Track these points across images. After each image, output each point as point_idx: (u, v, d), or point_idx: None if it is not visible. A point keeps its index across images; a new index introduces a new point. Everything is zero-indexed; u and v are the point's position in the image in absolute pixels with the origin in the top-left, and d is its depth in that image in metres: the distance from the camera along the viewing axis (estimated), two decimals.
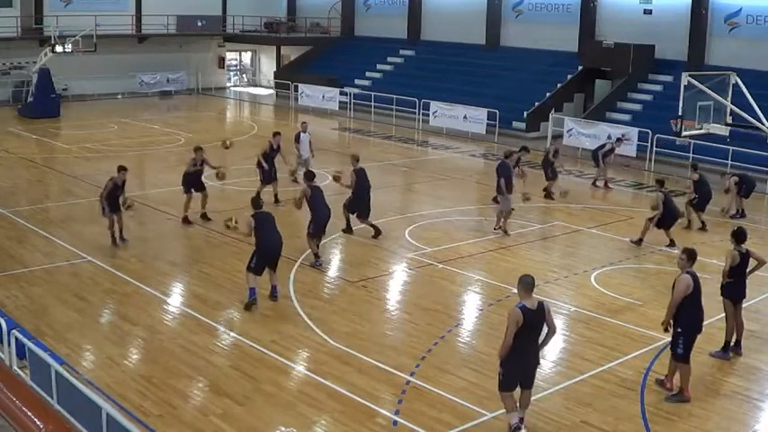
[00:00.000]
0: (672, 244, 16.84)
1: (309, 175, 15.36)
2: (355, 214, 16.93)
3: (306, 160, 21.12)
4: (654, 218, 16.92)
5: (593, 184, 23.17)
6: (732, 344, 11.77)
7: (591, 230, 18.16)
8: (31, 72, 34.65)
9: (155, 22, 40.70)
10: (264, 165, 19.24)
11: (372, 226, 16.95)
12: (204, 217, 17.91)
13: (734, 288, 11.59)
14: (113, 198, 15.91)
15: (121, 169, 16.04)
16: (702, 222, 18.51)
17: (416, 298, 13.93)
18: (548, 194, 21.10)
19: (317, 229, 15.20)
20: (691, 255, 10.31)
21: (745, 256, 11.51)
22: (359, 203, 16.83)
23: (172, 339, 11.82)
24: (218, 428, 9.36)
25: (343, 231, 17.10)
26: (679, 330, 10.19)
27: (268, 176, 19.37)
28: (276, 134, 19.59)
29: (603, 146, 23.60)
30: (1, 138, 27.92)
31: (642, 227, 17.14)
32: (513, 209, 17.68)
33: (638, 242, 17.11)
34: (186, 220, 17.78)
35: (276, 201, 19.28)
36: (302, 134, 21.54)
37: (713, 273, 13.12)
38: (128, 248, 16.00)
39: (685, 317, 10.15)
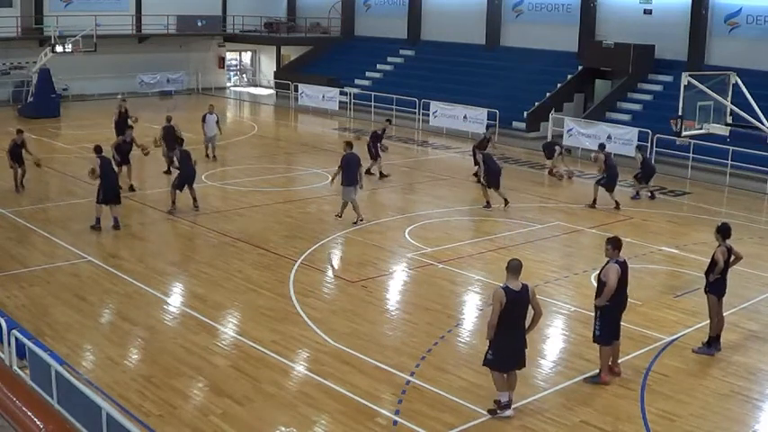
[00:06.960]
0: (488, 205, 19.47)
1: (180, 142, 19.18)
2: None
3: (212, 138, 24.43)
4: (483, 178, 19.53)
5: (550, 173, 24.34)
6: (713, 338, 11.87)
7: (591, 230, 18.15)
8: (31, 72, 34.61)
9: (155, 22, 40.70)
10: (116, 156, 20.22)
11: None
12: (131, 188, 20.18)
13: (719, 284, 11.70)
14: (15, 154, 19.58)
15: (19, 132, 19.78)
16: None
17: (416, 298, 13.93)
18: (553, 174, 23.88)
19: (182, 184, 18.43)
20: (615, 243, 10.58)
21: (730, 252, 11.63)
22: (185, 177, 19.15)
23: (172, 339, 11.82)
24: (218, 428, 9.37)
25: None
26: (598, 314, 10.61)
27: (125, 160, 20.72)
28: (130, 127, 21.30)
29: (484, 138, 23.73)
30: (1, 138, 27.84)
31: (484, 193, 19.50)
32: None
33: (487, 205, 19.47)
34: (132, 188, 20.24)
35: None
36: (208, 115, 24.41)
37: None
38: (127, 248, 16.01)
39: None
